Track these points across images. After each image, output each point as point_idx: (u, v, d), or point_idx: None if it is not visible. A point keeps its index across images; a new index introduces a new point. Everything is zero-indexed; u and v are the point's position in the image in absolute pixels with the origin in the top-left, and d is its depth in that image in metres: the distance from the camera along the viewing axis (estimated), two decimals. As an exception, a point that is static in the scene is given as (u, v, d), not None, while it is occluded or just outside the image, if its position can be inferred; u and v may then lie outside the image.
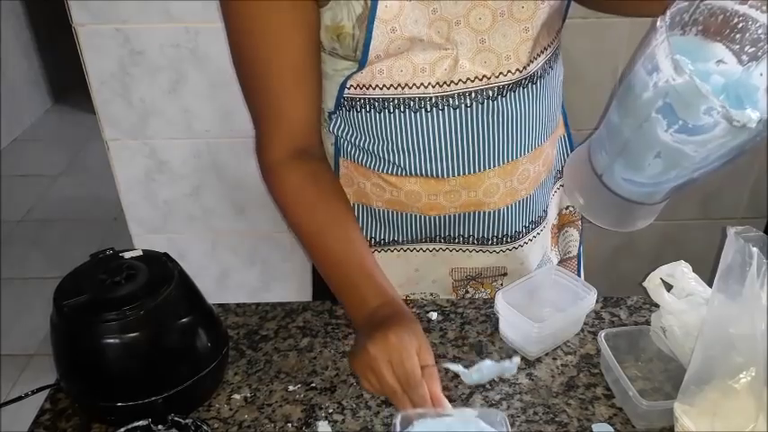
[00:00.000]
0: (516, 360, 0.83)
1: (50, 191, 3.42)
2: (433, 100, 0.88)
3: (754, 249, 0.65)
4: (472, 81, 0.87)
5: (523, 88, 0.91)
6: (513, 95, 0.90)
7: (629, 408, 0.82)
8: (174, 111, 1.60)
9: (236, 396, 0.86)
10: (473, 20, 0.83)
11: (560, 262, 1.16)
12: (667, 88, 0.67)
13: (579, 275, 1.19)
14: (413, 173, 0.94)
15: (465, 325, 0.97)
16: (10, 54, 3.85)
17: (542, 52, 0.92)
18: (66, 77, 4.21)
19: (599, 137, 0.82)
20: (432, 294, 1.07)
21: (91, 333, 0.77)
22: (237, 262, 1.84)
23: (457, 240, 1.02)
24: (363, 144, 0.95)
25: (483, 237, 1.01)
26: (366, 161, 0.97)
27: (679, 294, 0.88)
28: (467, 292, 1.08)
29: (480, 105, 0.89)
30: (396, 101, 0.89)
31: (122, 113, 1.60)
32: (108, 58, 1.52)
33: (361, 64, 0.85)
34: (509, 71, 0.88)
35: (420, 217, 0.99)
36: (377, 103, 0.90)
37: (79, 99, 3.59)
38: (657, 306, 0.89)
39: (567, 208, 1.16)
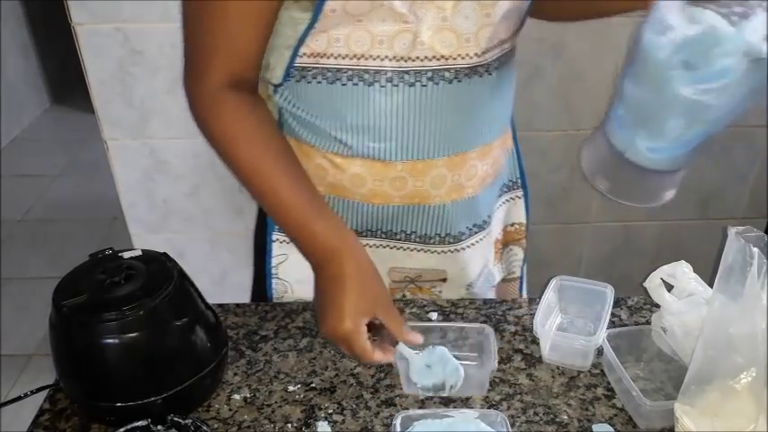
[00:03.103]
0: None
1: (50, 191, 3.42)
2: (389, 74, 0.87)
3: (755, 249, 0.65)
4: (430, 60, 0.86)
5: (479, 77, 0.90)
6: (469, 82, 0.89)
7: (631, 407, 0.82)
8: (173, 111, 1.60)
9: (236, 396, 0.86)
10: None
11: (503, 281, 1.16)
12: (682, 42, 0.69)
13: (521, 296, 1.18)
14: (359, 153, 0.93)
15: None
16: (9, 54, 3.85)
17: (500, 45, 0.91)
18: (65, 77, 4.21)
19: (615, 116, 0.84)
20: None
21: (90, 333, 0.77)
22: (237, 262, 1.84)
23: (398, 237, 1.00)
24: (310, 119, 0.93)
25: (425, 234, 1.00)
26: (311, 139, 0.94)
27: (680, 294, 0.88)
28: (404, 296, 1.06)
29: (436, 86, 0.88)
30: (350, 72, 0.87)
31: (122, 113, 1.60)
32: (107, 57, 1.52)
33: (316, 13, 0.82)
34: (467, 54, 0.87)
35: (362, 206, 0.97)
36: (330, 74, 0.88)
37: (78, 99, 3.58)
38: (658, 306, 0.89)
39: (512, 225, 1.15)
